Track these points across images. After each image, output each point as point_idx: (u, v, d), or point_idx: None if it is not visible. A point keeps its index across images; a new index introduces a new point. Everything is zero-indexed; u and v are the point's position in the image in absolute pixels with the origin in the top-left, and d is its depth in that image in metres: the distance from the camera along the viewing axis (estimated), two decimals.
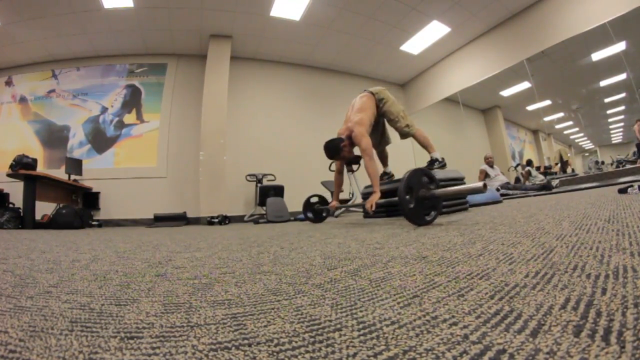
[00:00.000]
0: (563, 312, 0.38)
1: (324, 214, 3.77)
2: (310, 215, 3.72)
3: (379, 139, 3.49)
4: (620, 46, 5.86)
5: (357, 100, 3.23)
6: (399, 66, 8.99)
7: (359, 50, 7.99)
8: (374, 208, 2.50)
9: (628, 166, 6.40)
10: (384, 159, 3.65)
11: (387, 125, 3.44)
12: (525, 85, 7.85)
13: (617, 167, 6.94)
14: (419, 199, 1.88)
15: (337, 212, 5.51)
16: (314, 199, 3.80)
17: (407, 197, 1.86)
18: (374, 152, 2.85)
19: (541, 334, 0.33)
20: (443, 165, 3.13)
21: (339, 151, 3.01)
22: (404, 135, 3.20)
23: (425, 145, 3.20)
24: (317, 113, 8.41)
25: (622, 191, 2.50)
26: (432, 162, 3.13)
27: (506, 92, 8.77)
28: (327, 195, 5.25)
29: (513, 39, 6.93)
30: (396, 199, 1.92)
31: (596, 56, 6.53)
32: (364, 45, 7.78)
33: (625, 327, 0.32)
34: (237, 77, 7.37)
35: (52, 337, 0.41)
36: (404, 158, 7.97)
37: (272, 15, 6.40)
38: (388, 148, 3.67)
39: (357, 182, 5.23)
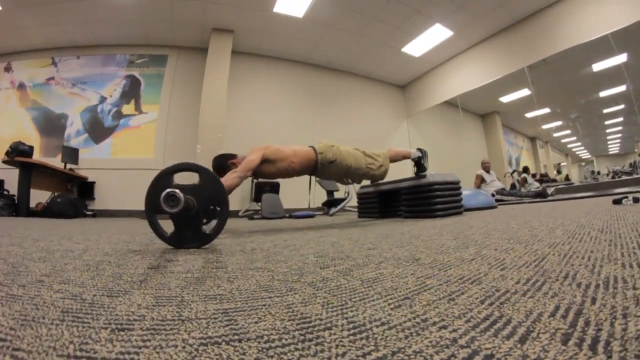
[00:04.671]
0: (552, 320, 0.38)
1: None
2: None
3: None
4: (621, 58, 5.90)
5: None
6: (399, 68, 8.99)
7: (361, 50, 7.98)
8: None
9: (624, 177, 6.44)
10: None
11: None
12: (525, 92, 7.88)
13: (613, 177, 6.98)
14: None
15: (332, 211, 5.51)
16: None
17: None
18: (246, 173, 2.27)
19: (529, 341, 0.33)
20: (426, 153, 3.09)
21: (223, 169, 2.44)
22: (383, 175, 2.96)
23: (402, 158, 3.10)
24: (316, 111, 8.41)
25: (617, 202, 2.52)
26: (419, 162, 3.05)
27: (506, 98, 8.81)
28: None
29: (515, 46, 6.94)
30: None
31: (597, 67, 6.57)
32: (365, 45, 7.78)
33: (613, 337, 0.32)
34: (238, 71, 7.35)
35: (43, 326, 0.41)
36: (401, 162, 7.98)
37: (275, 12, 6.38)
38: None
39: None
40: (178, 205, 0.99)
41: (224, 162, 2.51)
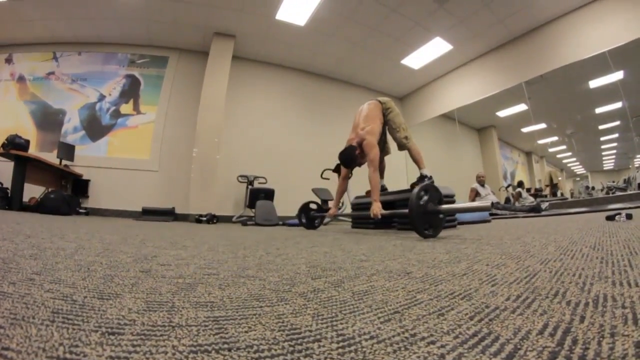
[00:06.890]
0: (540, 338, 0.39)
1: (316, 222, 3.73)
2: (304, 221, 3.68)
3: (381, 148, 3.53)
4: (618, 75, 5.95)
5: (364, 107, 3.36)
6: (398, 79, 9.04)
7: (360, 60, 8.03)
8: (379, 216, 2.59)
9: (618, 193, 6.47)
10: (381, 170, 3.68)
11: (388, 137, 3.53)
12: (521, 107, 7.92)
13: (607, 193, 7.01)
14: (426, 212, 1.99)
15: (326, 220, 5.50)
16: (312, 205, 3.80)
17: (421, 203, 1.98)
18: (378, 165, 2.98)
19: (516, 358, 0.33)
20: (432, 184, 3.17)
21: (355, 159, 3.11)
22: (401, 146, 3.30)
23: (417, 160, 3.27)
24: (314, 120, 8.42)
25: (610, 218, 2.53)
26: (422, 178, 3.19)
27: (502, 113, 8.85)
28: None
29: (513, 61, 7.01)
30: (402, 210, 2.14)
31: (594, 83, 6.62)
32: (365, 56, 7.83)
33: (600, 356, 0.33)
34: (237, 77, 7.36)
35: (33, 326, 0.41)
36: (396, 172, 7.99)
37: (278, 19, 6.41)
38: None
39: (348, 191, 5.20)
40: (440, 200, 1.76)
41: (353, 154, 3.09)
